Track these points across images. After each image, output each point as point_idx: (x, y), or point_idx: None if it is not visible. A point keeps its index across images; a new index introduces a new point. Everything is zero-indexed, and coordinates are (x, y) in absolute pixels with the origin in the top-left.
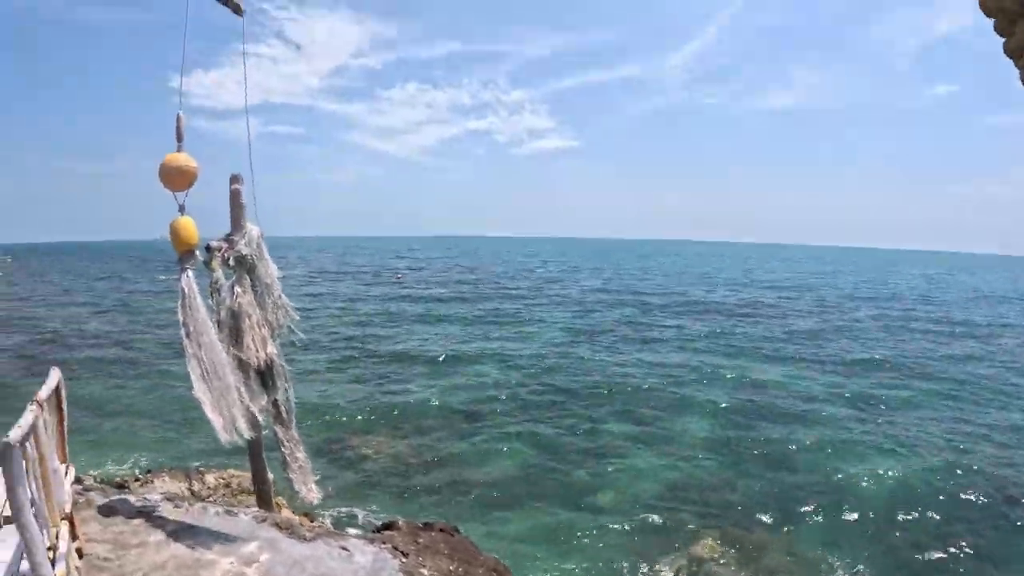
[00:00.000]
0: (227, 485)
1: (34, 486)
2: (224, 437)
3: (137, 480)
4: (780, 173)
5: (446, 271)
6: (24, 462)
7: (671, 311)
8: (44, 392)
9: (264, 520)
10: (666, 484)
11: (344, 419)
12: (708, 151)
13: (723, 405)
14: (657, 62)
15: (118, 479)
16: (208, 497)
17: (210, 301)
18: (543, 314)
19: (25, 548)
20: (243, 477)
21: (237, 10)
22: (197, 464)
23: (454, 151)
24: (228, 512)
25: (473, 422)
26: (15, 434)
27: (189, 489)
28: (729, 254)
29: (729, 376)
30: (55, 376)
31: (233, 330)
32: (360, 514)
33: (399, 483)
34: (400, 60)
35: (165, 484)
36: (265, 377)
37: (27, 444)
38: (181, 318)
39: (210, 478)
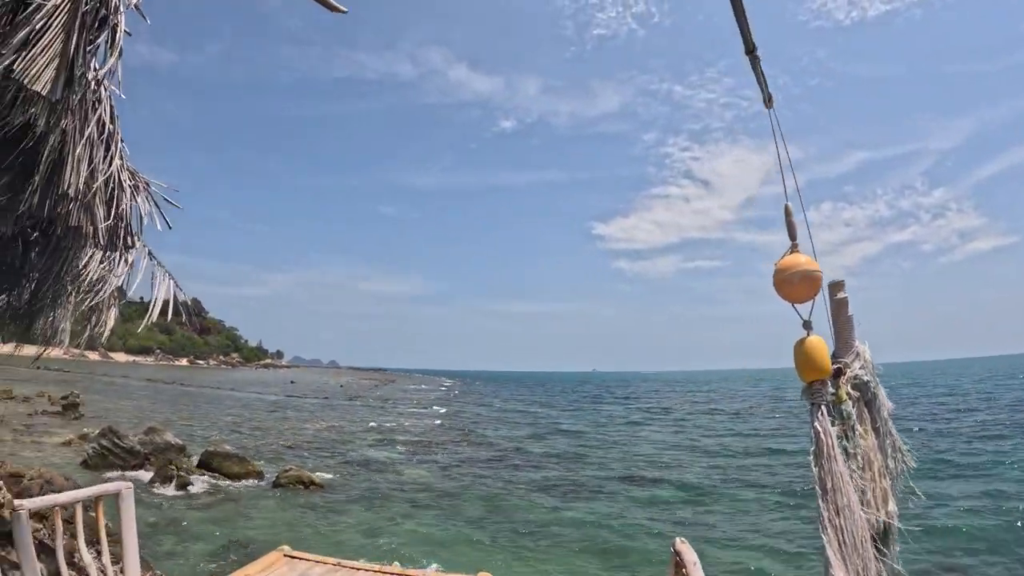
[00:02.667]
0: None
1: None
2: None
3: None
4: None
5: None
6: None
7: None
8: None
9: None
10: None
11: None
12: None
13: None
14: None
15: None
16: None
17: (846, 443)
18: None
19: None
20: None
21: (768, 100)
22: None
23: (878, 269)
24: None
25: None
26: None
27: None
28: None
29: None
30: None
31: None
32: None
33: None
34: (810, 181)
35: None
36: (879, 542)
37: None
38: (815, 471)
39: None
